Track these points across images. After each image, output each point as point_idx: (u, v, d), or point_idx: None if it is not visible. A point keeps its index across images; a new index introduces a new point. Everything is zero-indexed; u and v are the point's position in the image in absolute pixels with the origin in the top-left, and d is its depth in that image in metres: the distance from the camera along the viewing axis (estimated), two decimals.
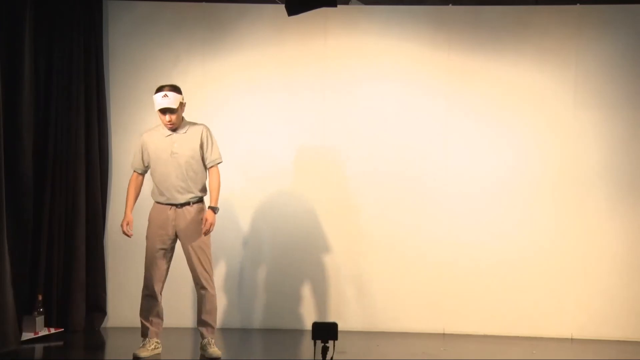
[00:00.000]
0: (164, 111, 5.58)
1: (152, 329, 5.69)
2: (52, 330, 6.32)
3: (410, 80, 6.81)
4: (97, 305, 6.66)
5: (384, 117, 6.81)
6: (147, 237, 5.73)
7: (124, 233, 5.72)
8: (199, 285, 5.72)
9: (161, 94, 5.58)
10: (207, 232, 5.65)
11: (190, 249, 5.67)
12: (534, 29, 6.72)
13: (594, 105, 6.66)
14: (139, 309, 5.74)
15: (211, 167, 5.73)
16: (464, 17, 6.78)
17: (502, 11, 6.77)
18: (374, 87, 6.81)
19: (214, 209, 5.65)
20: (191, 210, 5.68)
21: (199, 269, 5.68)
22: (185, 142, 5.67)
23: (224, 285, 6.81)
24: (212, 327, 5.75)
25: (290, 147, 6.86)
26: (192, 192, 5.68)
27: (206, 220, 5.61)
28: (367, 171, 6.79)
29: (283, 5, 6.06)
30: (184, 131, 5.69)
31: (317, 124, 6.84)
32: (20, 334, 5.90)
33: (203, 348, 5.73)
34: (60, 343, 6.17)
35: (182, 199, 5.66)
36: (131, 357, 5.60)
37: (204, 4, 6.89)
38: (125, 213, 5.74)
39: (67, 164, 6.53)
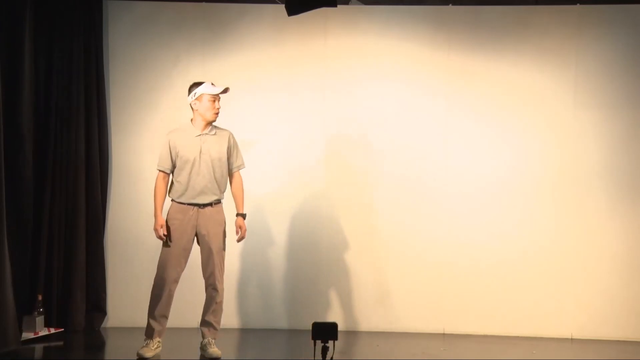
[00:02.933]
0: (215, 98, 5.64)
1: (159, 329, 5.67)
2: (52, 330, 6.32)
3: (410, 80, 6.81)
4: (97, 305, 6.67)
5: (384, 117, 6.81)
6: (168, 238, 5.63)
7: (160, 237, 5.61)
8: (212, 286, 5.71)
9: (208, 82, 5.68)
10: (241, 239, 5.76)
11: (211, 250, 5.67)
12: (534, 29, 6.72)
13: (594, 105, 6.66)
14: (145, 309, 5.68)
15: (236, 172, 5.78)
16: (464, 17, 6.78)
17: (502, 11, 6.77)
18: (374, 87, 6.81)
19: (244, 216, 5.76)
20: (213, 211, 5.69)
21: (217, 270, 5.69)
22: (214, 144, 5.69)
23: (225, 285, 6.80)
24: (215, 329, 5.75)
25: (290, 147, 6.86)
26: (216, 194, 5.69)
27: (240, 227, 5.72)
28: (367, 171, 6.79)
29: (283, 5, 6.06)
30: (213, 133, 5.71)
31: (317, 123, 6.84)
32: (20, 334, 5.90)
33: (203, 348, 5.73)
34: (60, 343, 6.17)
35: (207, 199, 5.66)
36: (130, 357, 5.60)
37: (204, 4, 6.89)
38: (157, 216, 5.61)
39: (67, 163, 6.53)
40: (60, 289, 6.50)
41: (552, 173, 6.69)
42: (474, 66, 6.76)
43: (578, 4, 6.70)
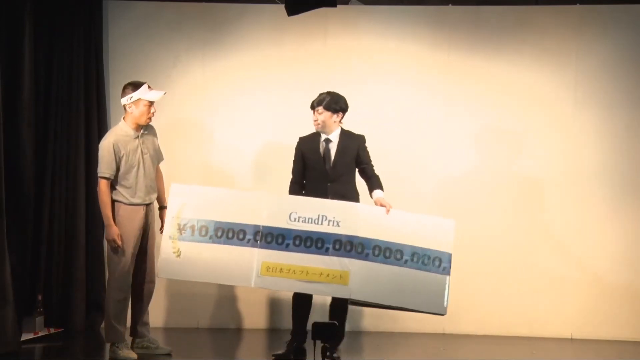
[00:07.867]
0: (151, 103, 5.58)
1: (124, 331, 5.65)
2: (52, 331, 6.32)
3: (410, 80, 6.81)
4: (97, 305, 6.65)
5: (384, 117, 6.80)
6: (123, 240, 5.53)
7: (118, 246, 5.52)
8: (150, 281, 5.72)
9: (145, 86, 5.59)
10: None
11: (148, 246, 5.70)
12: (534, 29, 6.73)
13: (594, 105, 6.67)
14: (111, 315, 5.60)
15: (157, 165, 5.80)
16: (463, 17, 6.79)
17: (502, 11, 6.78)
18: (374, 87, 6.80)
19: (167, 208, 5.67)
20: (151, 207, 5.73)
21: (154, 264, 5.69)
22: (149, 142, 5.69)
23: (224, 285, 6.80)
24: (149, 325, 5.81)
25: (290, 147, 6.85)
26: (156, 191, 5.74)
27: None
28: None
29: (283, 5, 6.06)
30: (147, 131, 5.69)
31: None
32: (20, 334, 5.90)
33: (147, 347, 5.72)
34: (60, 343, 6.17)
35: (153, 198, 5.71)
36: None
37: (204, 4, 6.89)
38: (112, 226, 5.50)
39: (67, 164, 6.53)
40: (60, 289, 6.50)
41: (552, 173, 6.69)
42: (474, 66, 6.76)
43: (578, 4, 6.70)
